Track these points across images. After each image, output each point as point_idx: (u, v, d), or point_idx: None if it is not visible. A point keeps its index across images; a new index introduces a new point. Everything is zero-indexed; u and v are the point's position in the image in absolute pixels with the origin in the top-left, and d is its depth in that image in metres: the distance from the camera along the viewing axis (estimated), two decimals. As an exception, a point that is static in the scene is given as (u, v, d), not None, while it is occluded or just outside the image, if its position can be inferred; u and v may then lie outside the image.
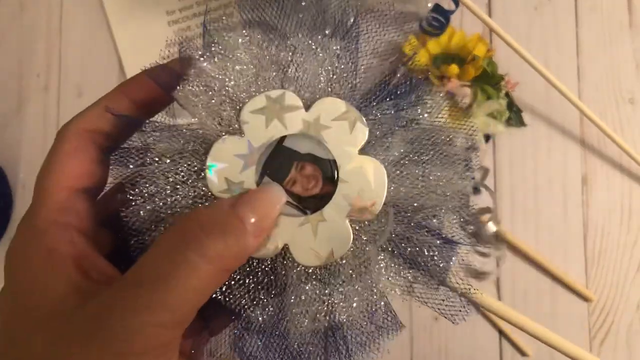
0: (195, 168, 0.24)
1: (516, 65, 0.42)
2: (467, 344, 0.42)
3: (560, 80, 0.40)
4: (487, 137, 0.43)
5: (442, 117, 0.26)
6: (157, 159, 0.24)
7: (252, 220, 0.20)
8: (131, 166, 0.24)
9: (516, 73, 0.43)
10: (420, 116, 0.26)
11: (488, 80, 0.42)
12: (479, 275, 0.29)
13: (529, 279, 0.43)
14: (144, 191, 0.24)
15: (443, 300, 0.25)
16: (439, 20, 0.41)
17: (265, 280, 0.24)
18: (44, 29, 0.46)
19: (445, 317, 0.25)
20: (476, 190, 0.39)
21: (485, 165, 0.43)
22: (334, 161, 0.24)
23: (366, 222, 0.24)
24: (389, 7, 0.27)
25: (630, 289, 0.43)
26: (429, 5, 0.41)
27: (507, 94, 0.43)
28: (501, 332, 0.42)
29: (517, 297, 0.43)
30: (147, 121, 0.25)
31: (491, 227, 0.38)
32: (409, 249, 0.25)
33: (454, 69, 0.40)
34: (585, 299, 0.43)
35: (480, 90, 0.41)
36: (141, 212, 0.24)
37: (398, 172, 0.25)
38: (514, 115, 0.43)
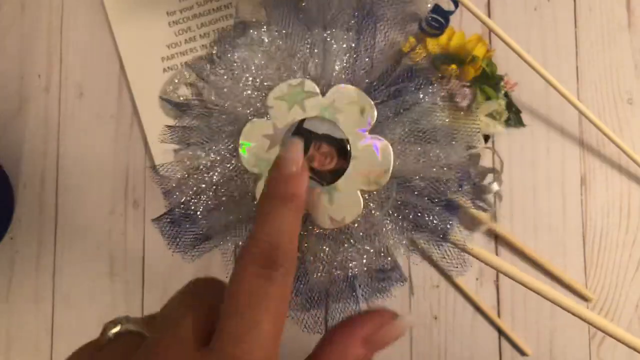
0: (230, 146, 0.29)
1: (515, 65, 0.42)
2: (467, 344, 0.42)
3: (559, 81, 0.41)
4: (486, 138, 0.43)
5: (441, 102, 0.31)
6: (199, 139, 0.29)
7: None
8: (183, 144, 0.30)
9: (515, 73, 0.43)
10: (422, 100, 0.30)
11: (487, 80, 0.42)
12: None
13: (528, 278, 0.43)
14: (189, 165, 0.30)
15: (443, 257, 0.29)
16: (439, 20, 0.41)
17: None
18: (45, 29, 0.46)
19: (447, 271, 0.29)
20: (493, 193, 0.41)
21: (484, 165, 0.43)
22: (347, 140, 0.27)
23: (374, 192, 0.28)
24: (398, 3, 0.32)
25: (630, 289, 0.43)
26: (429, 5, 0.42)
27: (506, 95, 0.43)
28: (501, 332, 0.42)
29: (517, 296, 0.43)
30: (192, 105, 0.31)
31: (494, 187, 0.41)
32: (412, 214, 0.29)
33: (453, 69, 0.40)
34: (584, 298, 0.43)
35: (479, 90, 0.42)
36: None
37: (402, 149, 0.29)
38: (513, 116, 0.44)
